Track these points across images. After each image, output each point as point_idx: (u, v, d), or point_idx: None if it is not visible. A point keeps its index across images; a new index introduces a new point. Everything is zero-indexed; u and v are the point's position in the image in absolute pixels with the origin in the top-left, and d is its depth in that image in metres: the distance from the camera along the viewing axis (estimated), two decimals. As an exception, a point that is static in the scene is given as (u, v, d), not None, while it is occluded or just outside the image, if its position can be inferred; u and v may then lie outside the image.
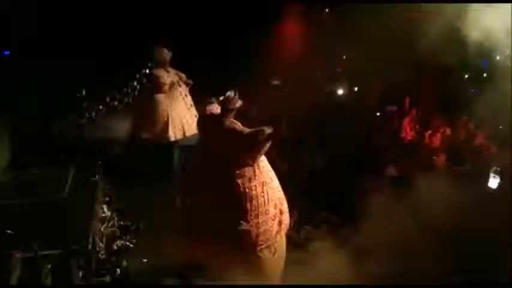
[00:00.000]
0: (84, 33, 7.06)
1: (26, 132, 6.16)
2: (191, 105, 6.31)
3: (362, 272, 3.88)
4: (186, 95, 6.32)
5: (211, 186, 3.73)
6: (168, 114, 6.20)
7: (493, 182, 5.34)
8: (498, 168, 5.31)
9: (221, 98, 3.80)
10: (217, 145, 3.78)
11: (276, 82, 8.43)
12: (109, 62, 7.24)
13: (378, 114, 7.26)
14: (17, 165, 5.46)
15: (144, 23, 7.30)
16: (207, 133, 3.93)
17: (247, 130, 3.72)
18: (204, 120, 3.98)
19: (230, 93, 3.76)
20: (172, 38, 6.79)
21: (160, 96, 6.26)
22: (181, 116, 6.22)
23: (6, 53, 6.33)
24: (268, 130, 3.64)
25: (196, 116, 6.07)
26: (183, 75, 6.40)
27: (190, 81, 6.39)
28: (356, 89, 8.50)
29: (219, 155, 3.74)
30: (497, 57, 6.84)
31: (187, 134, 6.21)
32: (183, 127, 6.22)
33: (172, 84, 6.22)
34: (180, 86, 6.28)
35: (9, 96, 5.86)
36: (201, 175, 3.84)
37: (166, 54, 6.29)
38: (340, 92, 8.44)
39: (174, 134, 6.21)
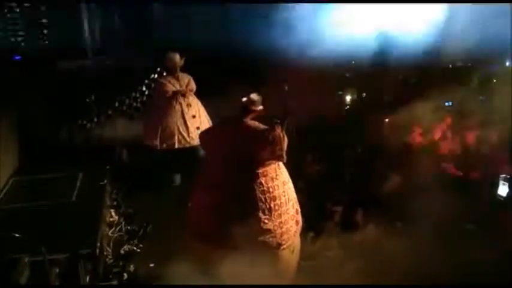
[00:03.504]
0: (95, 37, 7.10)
1: (36, 137, 6.19)
2: (193, 116, 6.07)
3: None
4: (189, 105, 6.07)
5: (234, 187, 3.70)
6: (161, 122, 6.02)
7: (503, 190, 5.27)
8: (508, 176, 5.23)
9: (244, 99, 3.78)
10: (240, 146, 3.74)
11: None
12: (119, 66, 7.29)
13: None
14: (26, 169, 5.51)
15: (157, 28, 7.30)
16: (228, 135, 3.88)
17: (267, 128, 3.70)
18: (225, 122, 3.97)
19: (254, 96, 3.77)
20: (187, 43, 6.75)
21: (158, 105, 6.12)
22: (174, 127, 6.00)
23: (16, 58, 6.40)
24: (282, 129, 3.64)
25: (198, 128, 5.95)
26: (192, 84, 6.16)
27: (192, 86, 6.13)
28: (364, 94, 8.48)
29: (242, 156, 3.70)
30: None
31: (178, 145, 6.00)
32: (173, 137, 5.99)
33: (174, 93, 6.00)
34: (184, 95, 6.04)
35: (18, 100, 5.90)
36: (221, 177, 3.80)
37: (178, 60, 6.08)
38: (348, 97, 8.42)
39: (161, 143, 6.02)
